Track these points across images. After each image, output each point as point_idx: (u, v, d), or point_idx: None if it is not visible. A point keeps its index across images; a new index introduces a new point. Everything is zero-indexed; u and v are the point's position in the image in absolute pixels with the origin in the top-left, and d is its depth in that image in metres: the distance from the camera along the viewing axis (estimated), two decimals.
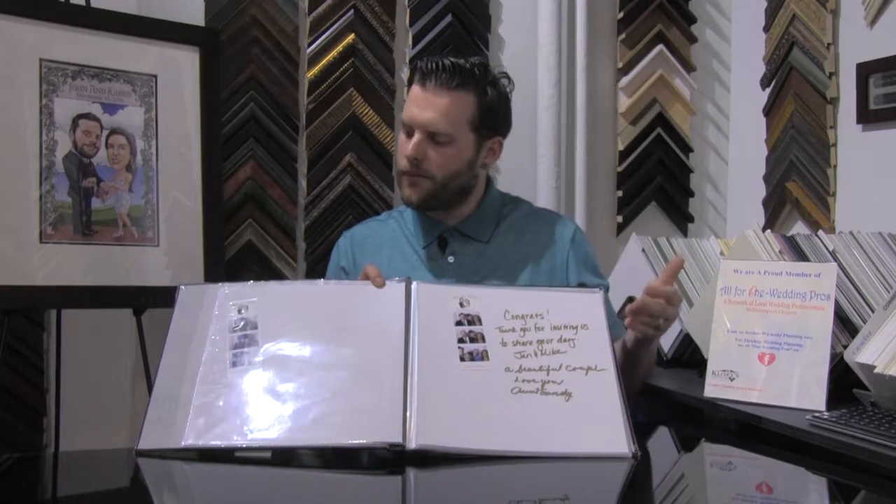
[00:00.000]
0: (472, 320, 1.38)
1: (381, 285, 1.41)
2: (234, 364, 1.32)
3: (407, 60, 2.34)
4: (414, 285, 1.40)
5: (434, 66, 1.62)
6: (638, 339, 1.54)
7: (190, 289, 1.43)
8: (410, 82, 1.70)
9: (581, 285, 1.68)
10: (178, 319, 1.39)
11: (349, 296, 1.42)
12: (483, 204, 1.73)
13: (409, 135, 1.64)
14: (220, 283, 1.43)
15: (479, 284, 1.60)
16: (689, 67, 2.54)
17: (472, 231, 1.71)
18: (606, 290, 1.71)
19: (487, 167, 1.74)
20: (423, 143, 1.62)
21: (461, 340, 1.35)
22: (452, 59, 1.64)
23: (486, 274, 1.66)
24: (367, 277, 1.43)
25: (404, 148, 1.65)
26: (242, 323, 1.36)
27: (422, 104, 1.62)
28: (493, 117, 1.68)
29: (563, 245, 1.71)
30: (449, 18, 2.33)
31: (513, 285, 1.62)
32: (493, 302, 1.41)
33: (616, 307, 1.85)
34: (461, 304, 1.39)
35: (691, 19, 2.55)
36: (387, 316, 1.36)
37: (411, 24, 2.33)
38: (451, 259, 1.68)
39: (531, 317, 1.39)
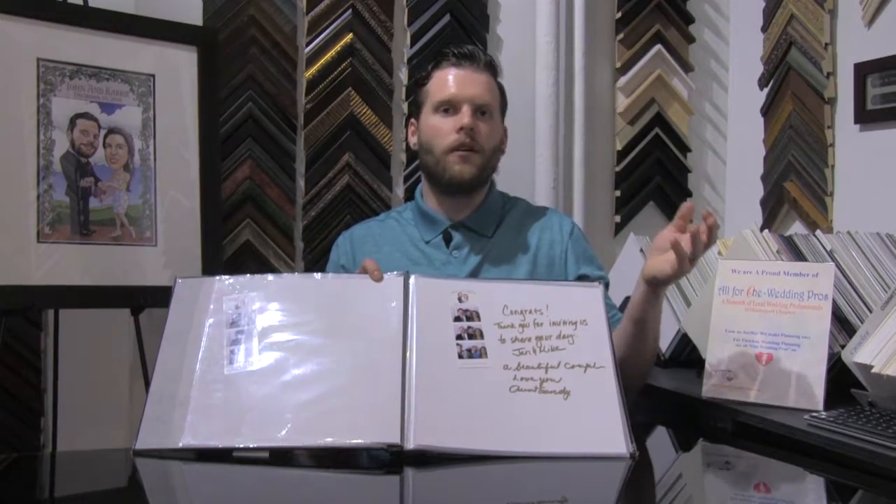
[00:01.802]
0: (471, 316, 1.37)
1: (379, 279, 1.40)
2: (230, 361, 1.31)
3: (405, 60, 2.34)
4: (412, 279, 1.39)
5: (466, 51, 1.70)
6: (646, 299, 1.49)
7: (187, 282, 1.42)
8: (425, 77, 1.72)
9: (581, 277, 1.68)
10: (174, 314, 1.38)
11: (347, 290, 1.41)
12: (487, 200, 1.75)
13: (450, 113, 1.68)
14: (216, 276, 1.42)
15: (477, 279, 1.60)
16: (688, 67, 2.54)
17: (477, 226, 1.72)
18: (607, 284, 1.71)
19: (503, 152, 1.79)
20: (473, 116, 1.66)
21: (459, 337, 1.34)
22: (471, 46, 1.74)
23: (487, 267, 1.67)
24: (365, 271, 1.42)
25: (448, 125, 1.67)
26: (239, 317, 1.35)
27: (465, 81, 1.68)
28: (505, 102, 1.78)
29: (560, 239, 1.72)
30: (447, 18, 2.33)
31: (512, 279, 1.62)
32: (491, 296, 1.40)
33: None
34: (460, 300, 1.38)
35: (689, 19, 2.55)
36: (385, 311, 1.35)
37: (409, 23, 2.33)
38: (454, 254, 1.69)
39: (530, 312, 1.38)
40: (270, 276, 1.44)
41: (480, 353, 1.34)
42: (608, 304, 1.64)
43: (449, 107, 1.67)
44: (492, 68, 1.73)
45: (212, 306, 1.37)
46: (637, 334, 1.53)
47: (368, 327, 1.34)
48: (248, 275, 1.44)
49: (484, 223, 1.72)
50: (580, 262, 1.70)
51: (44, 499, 1.25)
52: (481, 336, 1.35)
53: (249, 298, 1.38)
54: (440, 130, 1.68)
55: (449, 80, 1.69)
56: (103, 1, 1.96)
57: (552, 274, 1.68)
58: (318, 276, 1.48)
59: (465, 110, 1.66)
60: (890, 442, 1.23)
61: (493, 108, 1.70)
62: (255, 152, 2.20)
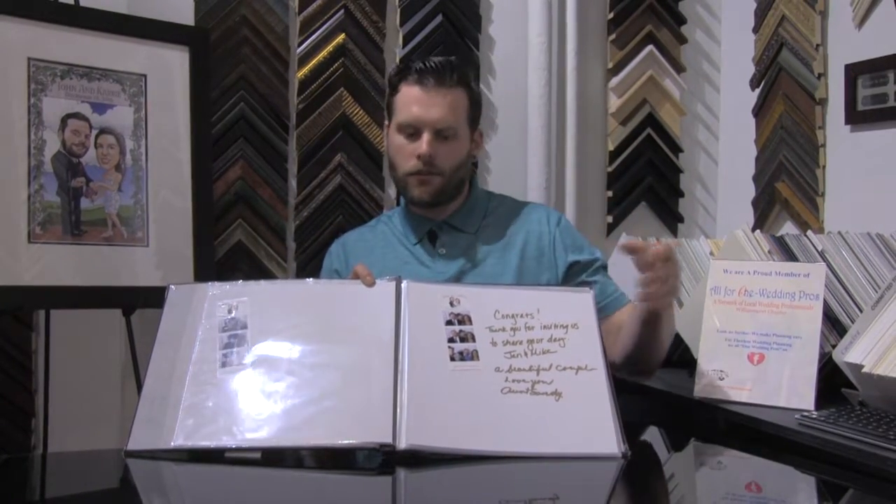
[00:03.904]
0: (463, 320, 1.38)
1: (370, 284, 1.41)
2: (223, 364, 1.31)
3: (397, 60, 2.34)
4: (404, 284, 1.40)
5: (430, 66, 1.66)
6: (652, 312, 1.48)
7: (179, 288, 1.43)
8: (396, 85, 1.71)
9: (573, 265, 1.68)
10: (167, 319, 1.39)
11: (339, 295, 1.42)
12: (469, 199, 1.77)
13: (412, 136, 1.66)
14: (209, 283, 1.43)
15: (469, 283, 1.61)
16: (679, 68, 2.55)
17: (461, 223, 1.73)
18: (604, 266, 1.72)
19: (476, 158, 1.80)
20: (434, 140, 1.65)
21: (451, 340, 1.35)
22: (443, 59, 1.70)
23: (475, 263, 1.68)
24: (356, 276, 1.43)
25: (409, 149, 1.67)
26: (232, 322, 1.35)
27: (426, 103, 1.65)
28: (478, 109, 1.76)
29: (548, 231, 1.73)
30: (439, 19, 2.33)
31: (503, 284, 1.63)
32: (483, 301, 1.41)
33: None
34: (451, 304, 1.39)
35: (681, 20, 2.55)
36: (377, 315, 1.36)
37: (402, 24, 2.33)
38: (442, 251, 1.71)
39: (521, 316, 1.39)
40: (263, 282, 1.46)
41: (472, 356, 1.34)
42: (607, 283, 1.66)
43: (411, 130, 1.66)
44: (462, 81, 1.69)
45: (205, 312, 1.37)
46: (647, 338, 1.54)
47: (361, 331, 1.35)
48: (241, 281, 1.44)
49: (467, 221, 1.74)
50: (568, 251, 1.71)
51: (35, 500, 1.24)
52: (473, 339, 1.36)
53: (242, 304, 1.38)
54: (401, 152, 1.69)
55: (411, 102, 1.66)
56: (95, 0, 1.96)
57: (541, 266, 1.69)
58: (310, 281, 1.49)
59: (426, 137, 1.64)
60: (880, 441, 1.23)
61: (456, 126, 1.68)
62: (246, 152, 2.20)
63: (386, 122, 1.77)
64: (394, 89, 1.71)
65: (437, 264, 1.69)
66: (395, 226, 1.79)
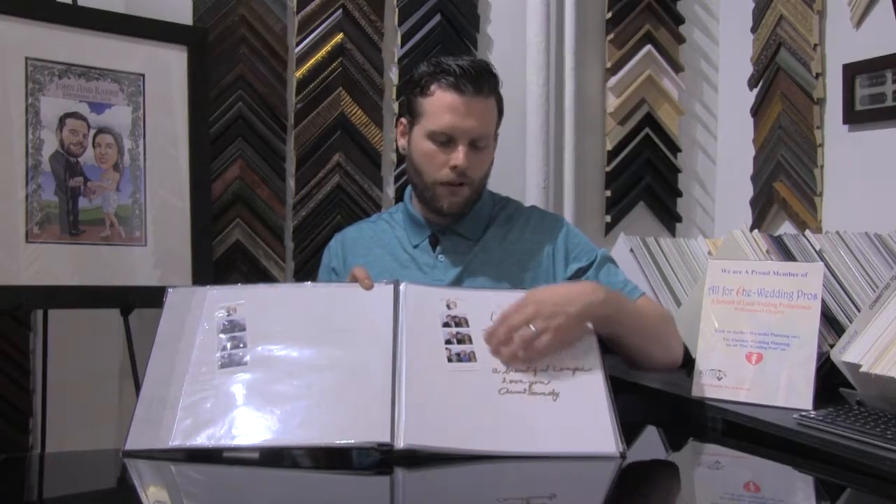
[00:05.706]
0: (460, 322, 1.38)
1: (369, 287, 1.41)
2: (222, 365, 1.31)
3: (396, 60, 2.34)
4: (402, 287, 1.40)
5: (468, 71, 1.59)
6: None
7: (178, 291, 1.42)
8: (426, 86, 1.62)
9: (576, 273, 1.65)
10: (166, 321, 1.38)
11: (337, 298, 1.42)
12: (476, 205, 1.74)
13: (445, 144, 1.61)
14: (208, 286, 1.43)
15: (465, 286, 1.60)
16: (678, 68, 2.55)
17: (465, 230, 1.71)
18: (606, 258, 1.69)
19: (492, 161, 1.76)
20: (468, 151, 1.61)
21: (448, 342, 1.35)
22: (477, 64, 1.63)
23: (473, 271, 1.67)
24: (355, 279, 1.43)
25: (441, 158, 1.61)
26: (231, 324, 1.36)
27: (463, 112, 1.59)
28: (502, 115, 1.71)
29: (549, 239, 1.71)
30: (438, 18, 2.33)
31: (500, 287, 1.62)
32: (479, 304, 1.41)
33: None
34: (448, 307, 1.39)
35: (679, 20, 2.55)
36: (375, 317, 1.36)
37: (400, 23, 2.33)
38: (441, 257, 1.69)
39: None
40: (262, 286, 1.46)
41: (469, 357, 1.35)
42: (610, 281, 1.62)
43: (444, 139, 1.60)
44: (495, 88, 1.64)
45: (203, 314, 1.37)
46: (626, 345, 1.53)
47: (359, 333, 1.35)
48: (240, 284, 1.45)
49: (472, 228, 1.72)
50: (569, 261, 1.69)
51: (32, 500, 1.24)
52: (470, 341, 1.36)
53: (241, 306, 1.38)
54: (432, 160, 1.62)
55: (446, 110, 1.59)
56: (93, 0, 1.95)
57: (539, 273, 1.68)
58: (308, 284, 1.49)
59: (461, 148, 1.59)
60: (878, 440, 1.23)
61: (489, 136, 1.64)
62: (245, 152, 2.20)
63: (403, 120, 1.70)
64: (423, 90, 1.62)
65: (435, 270, 1.67)
66: (396, 225, 1.76)
